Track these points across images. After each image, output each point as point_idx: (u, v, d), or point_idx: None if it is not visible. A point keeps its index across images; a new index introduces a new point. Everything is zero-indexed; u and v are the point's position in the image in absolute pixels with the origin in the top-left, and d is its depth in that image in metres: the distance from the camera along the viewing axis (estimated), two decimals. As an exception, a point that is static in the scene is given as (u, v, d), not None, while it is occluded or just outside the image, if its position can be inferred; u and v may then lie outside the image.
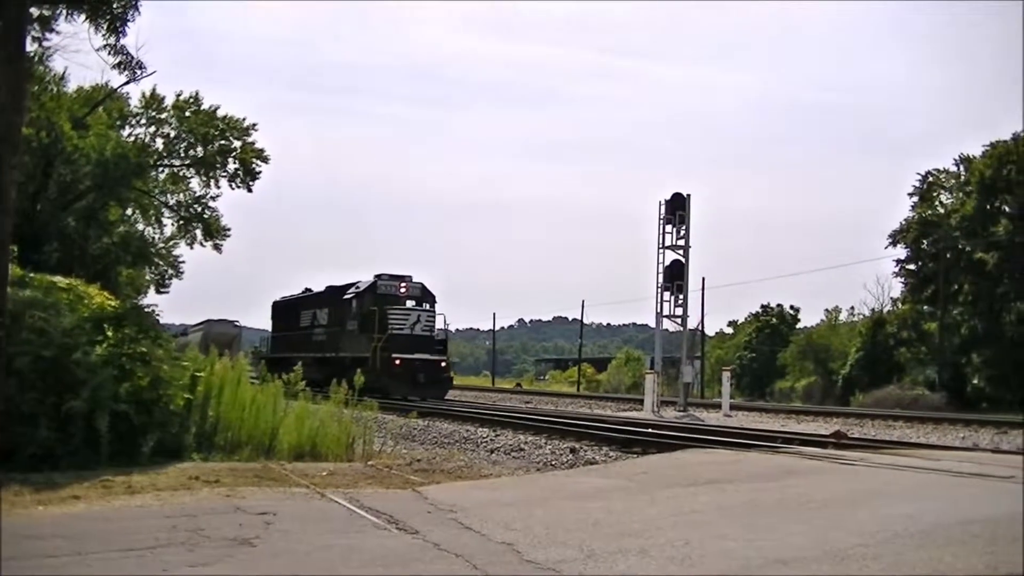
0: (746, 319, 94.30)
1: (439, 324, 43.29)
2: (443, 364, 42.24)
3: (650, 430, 22.81)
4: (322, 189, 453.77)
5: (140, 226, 58.03)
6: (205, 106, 51.25)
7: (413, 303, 42.75)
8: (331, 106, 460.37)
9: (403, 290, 42.85)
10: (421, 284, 43.88)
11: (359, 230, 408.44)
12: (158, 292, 60.66)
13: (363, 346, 41.07)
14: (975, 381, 58.16)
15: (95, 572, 6.50)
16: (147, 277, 60.78)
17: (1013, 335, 54.58)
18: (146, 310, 17.05)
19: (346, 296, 44.75)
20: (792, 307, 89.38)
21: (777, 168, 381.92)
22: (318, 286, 52.46)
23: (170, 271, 59.61)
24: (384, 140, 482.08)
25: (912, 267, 65.38)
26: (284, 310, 56.01)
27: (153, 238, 58.19)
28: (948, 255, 60.19)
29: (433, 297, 44.04)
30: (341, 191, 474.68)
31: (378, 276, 43.35)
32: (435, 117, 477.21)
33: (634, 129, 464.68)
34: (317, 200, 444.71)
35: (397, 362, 39.40)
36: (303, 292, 54.77)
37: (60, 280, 14.00)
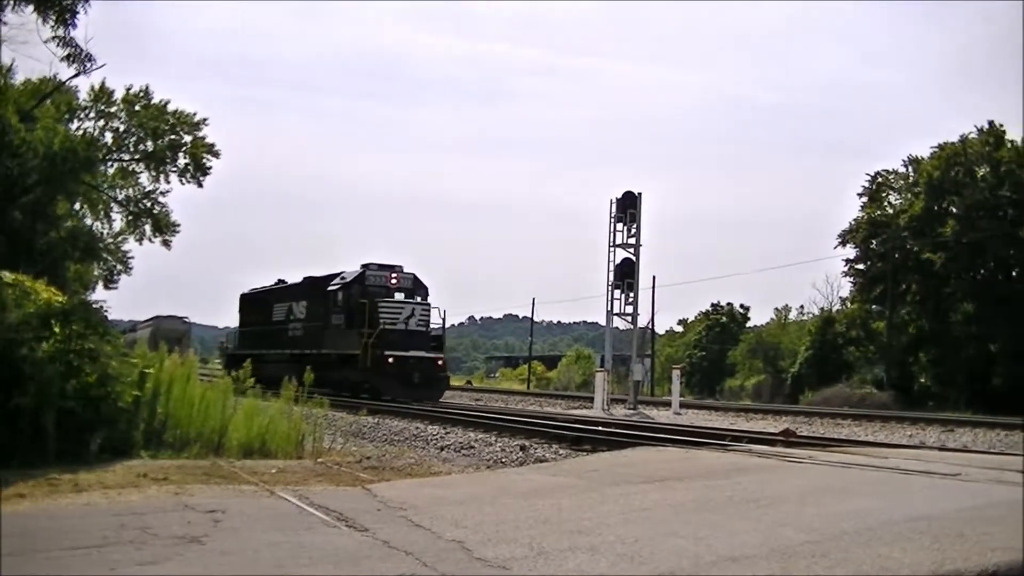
0: (696, 317, 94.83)
1: (434, 318, 40.18)
2: (440, 362, 38.92)
3: (600, 428, 22.97)
4: (269, 184, 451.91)
5: (88, 221, 57.64)
6: (156, 100, 50.97)
7: (403, 295, 39.66)
8: (279, 100, 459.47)
9: (394, 281, 39.84)
10: (413, 275, 40.77)
11: (303, 225, 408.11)
12: (106, 288, 60.32)
13: (351, 342, 38.01)
14: (922, 380, 59.00)
15: (41, 571, 6.43)
16: (95, 272, 60.33)
17: (959, 335, 55.23)
18: (94, 306, 16.85)
19: (331, 287, 41.03)
20: (742, 306, 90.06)
21: (728, 168, 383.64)
22: (293, 277, 49.51)
23: (119, 267, 59.24)
24: (331, 135, 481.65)
25: (861, 267, 65.98)
26: (254, 303, 52.91)
27: (102, 233, 57.82)
28: (896, 255, 60.79)
29: (426, 289, 40.95)
30: (289, 186, 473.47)
31: (366, 265, 40.07)
32: (384, 112, 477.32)
33: (585, 127, 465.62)
34: (263, 196, 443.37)
35: (390, 360, 36.39)
36: (276, 283, 51.32)
37: (6, 275, 13.85)
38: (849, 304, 69.22)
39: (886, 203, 65.90)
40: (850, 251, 65.85)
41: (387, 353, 36.28)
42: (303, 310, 44.80)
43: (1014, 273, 57.22)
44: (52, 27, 21.09)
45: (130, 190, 54.63)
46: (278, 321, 47.38)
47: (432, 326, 40.03)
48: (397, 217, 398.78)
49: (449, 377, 44.47)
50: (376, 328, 36.72)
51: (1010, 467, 12.00)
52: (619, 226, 40.12)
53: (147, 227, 54.28)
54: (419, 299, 39.86)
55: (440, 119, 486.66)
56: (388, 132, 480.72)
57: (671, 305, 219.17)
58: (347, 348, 38.32)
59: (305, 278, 46.04)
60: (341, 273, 41.26)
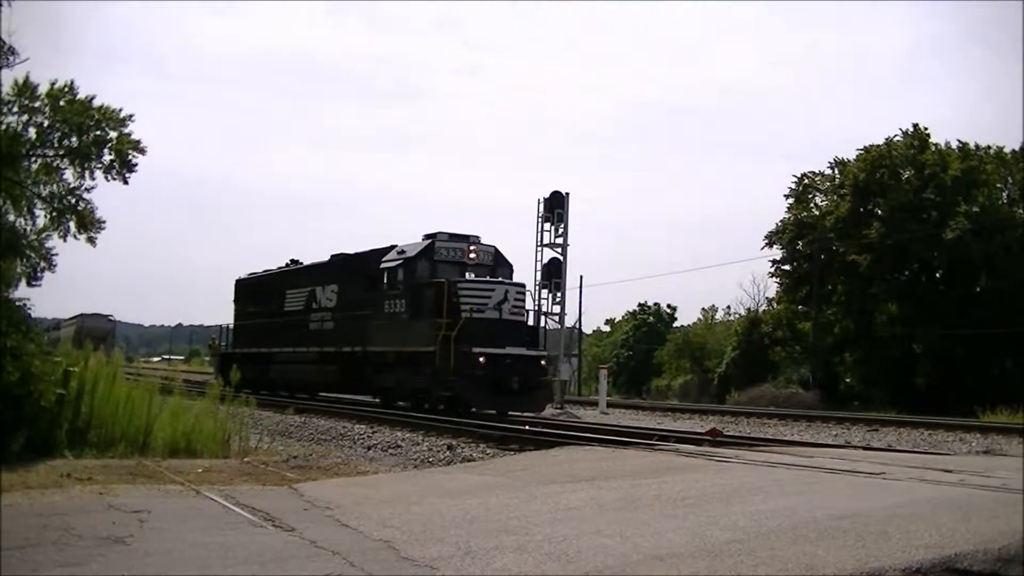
0: (623, 317, 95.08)
1: (528, 304, 30.75)
2: (542, 363, 29.87)
3: (527, 427, 22.84)
4: (180, 181, 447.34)
5: (11, 217, 56.80)
6: (81, 95, 50.33)
7: (484, 274, 30.55)
8: (182, 93, 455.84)
9: (473, 255, 30.57)
10: (494, 247, 31.62)
11: (222, 222, 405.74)
12: (29, 285, 59.36)
13: (417, 336, 28.96)
14: (847, 380, 59.67)
15: (-40, 573, 6.35)
16: (18, 269, 59.46)
17: (884, 335, 55.88)
18: (17, 304, 16.65)
19: (385, 264, 31.34)
20: (669, 305, 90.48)
21: (650, 169, 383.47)
22: (312, 257, 40.63)
23: (42, 264, 58.42)
24: (241, 130, 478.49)
25: (787, 267, 66.40)
26: (256, 290, 43.90)
27: (24, 230, 57.00)
28: (822, 256, 61.29)
29: (511, 266, 31.88)
30: (199, 181, 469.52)
31: (432, 236, 30.71)
32: (293, 108, 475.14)
33: (504, 127, 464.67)
34: (176, 192, 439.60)
35: (480, 360, 27.13)
36: (287, 265, 42.37)
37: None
38: (775, 304, 69.70)
39: (812, 205, 66.44)
40: (776, 252, 66.36)
41: (476, 351, 27.20)
42: (332, 296, 35.77)
43: (937, 275, 58.02)
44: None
45: (54, 186, 53.89)
46: (294, 311, 38.52)
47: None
48: (308, 215, 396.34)
49: (552, 382, 35.54)
50: (458, 318, 27.71)
51: (933, 466, 12.16)
52: (547, 226, 39.95)
53: (71, 224, 53.56)
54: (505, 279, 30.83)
55: (353, 116, 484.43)
56: (301, 128, 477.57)
57: (598, 305, 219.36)
58: (412, 344, 29.45)
59: (334, 256, 37.15)
60: (393, 247, 32.10)
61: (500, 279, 30.12)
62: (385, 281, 31.15)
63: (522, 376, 28.00)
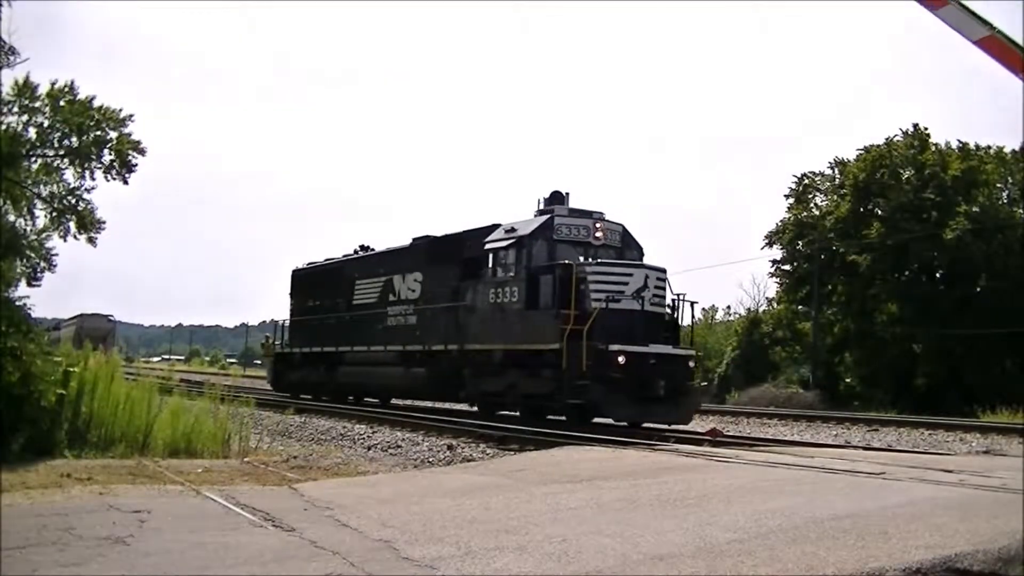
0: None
1: (669, 293, 24.78)
2: (691, 364, 24.57)
3: (527, 427, 22.63)
4: (188, 181, 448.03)
5: (11, 217, 56.75)
6: (81, 96, 50.30)
7: (613, 257, 25.22)
8: (182, 92, 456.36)
9: (599, 235, 25.29)
10: (621, 226, 26.21)
11: (227, 224, 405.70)
12: (29, 285, 59.35)
13: (539, 331, 23.82)
14: (847, 380, 59.49)
15: (-40, 573, 6.35)
16: (18, 270, 59.37)
17: (884, 335, 55.78)
18: (17, 304, 16.63)
19: (491, 245, 26.02)
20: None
21: (650, 168, 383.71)
22: (384, 243, 35.57)
23: (42, 264, 58.41)
24: (241, 130, 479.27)
25: (787, 267, 66.28)
26: (318, 281, 38.36)
27: (25, 230, 56.96)
28: (822, 256, 61.21)
29: (640, 249, 26.32)
30: (194, 183, 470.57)
31: (550, 210, 25.92)
32: (294, 108, 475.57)
33: (507, 126, 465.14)
34: (183, 193, 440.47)
35: (620, 360, 21.86)
36: (356, 252, 37.10)
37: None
38: (775, 304, 69.58)
39: (812, 205, 66.35)
40: (776, 252, 66.21)
41: (614, 349, 22.01)
42: (415, 286, 30.27)
43: (937, 275, 57.96)
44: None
45: (54, 186, 53.86)
46: (365, 304, 33.31)
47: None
48: (309, 215, 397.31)
49: (700, 387, 30.89)
50: (589, 310, 22.63)
51: (933, 466, 12.16)
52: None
53: (71, 224, 53.54)
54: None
55: (354, 116, 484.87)
56: (302, 128, 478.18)
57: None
58: (529, 341, 24.32)
59: (417, 239, 31.73)
60: (497, 226, 26.79)
61: (638, 262, 25.18)
62: (491, 265, 26.02)
63: (669, 379, 22.81)
